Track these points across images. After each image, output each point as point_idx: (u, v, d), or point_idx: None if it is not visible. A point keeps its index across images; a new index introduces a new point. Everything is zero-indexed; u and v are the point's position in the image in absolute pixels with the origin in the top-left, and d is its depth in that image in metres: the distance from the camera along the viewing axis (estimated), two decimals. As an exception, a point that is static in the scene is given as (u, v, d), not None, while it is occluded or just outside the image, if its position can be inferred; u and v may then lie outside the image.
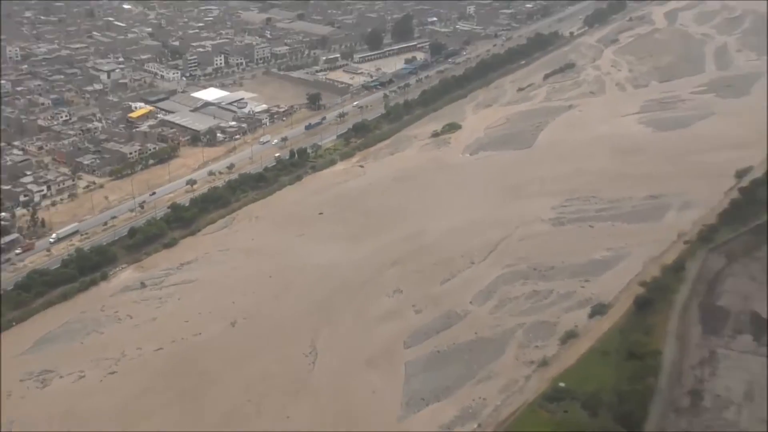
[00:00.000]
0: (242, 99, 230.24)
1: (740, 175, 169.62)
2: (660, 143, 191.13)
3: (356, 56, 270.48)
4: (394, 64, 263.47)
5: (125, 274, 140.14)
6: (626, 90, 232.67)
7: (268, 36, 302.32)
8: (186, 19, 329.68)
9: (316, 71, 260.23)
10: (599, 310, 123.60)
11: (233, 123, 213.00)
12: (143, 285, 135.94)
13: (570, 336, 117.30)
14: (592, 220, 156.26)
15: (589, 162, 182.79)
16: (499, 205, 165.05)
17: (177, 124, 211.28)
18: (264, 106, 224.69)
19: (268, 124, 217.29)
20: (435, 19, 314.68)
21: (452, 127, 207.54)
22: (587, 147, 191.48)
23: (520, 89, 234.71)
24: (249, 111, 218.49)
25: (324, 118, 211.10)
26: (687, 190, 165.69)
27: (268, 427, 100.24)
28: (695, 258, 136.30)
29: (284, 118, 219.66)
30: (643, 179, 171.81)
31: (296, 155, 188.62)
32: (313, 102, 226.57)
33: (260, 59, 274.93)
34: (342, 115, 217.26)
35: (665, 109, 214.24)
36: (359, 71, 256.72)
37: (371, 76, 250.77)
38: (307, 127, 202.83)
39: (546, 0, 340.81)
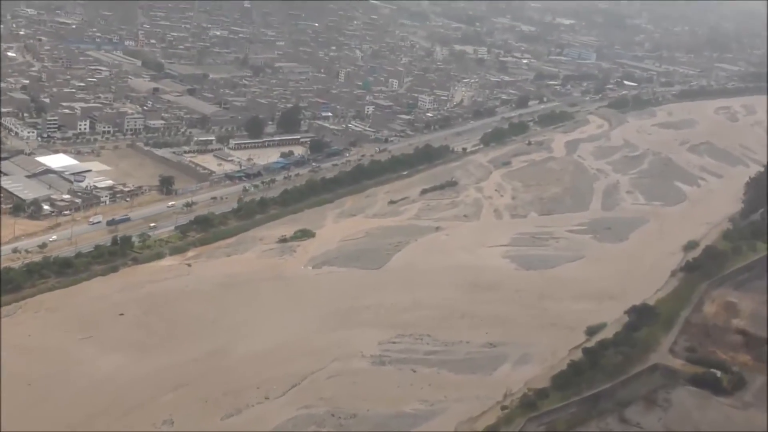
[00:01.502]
0: (88, 170, 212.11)
1: (591, 332, 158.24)
2: (518, 282, 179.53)
3: (233, 142, 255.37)
4: (270, 156, 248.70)
5: None
6: (502, 218, 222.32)
7: (148, 107, 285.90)
8: (69, 77, 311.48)
9: (184, 152, 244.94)
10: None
11: (67, 196, 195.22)
12: None
13: None
14: (417, 363, 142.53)
15: (438, 294, 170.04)
16: (324, 330, 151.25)
17: (5, 189, 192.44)
18: (109, 182, 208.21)
19: (107, 202, 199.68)
20: (329, 114, 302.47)
21: (305, 234, 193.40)
22: (441, 276, 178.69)
23: (392, 202, 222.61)
24: (87, 185, 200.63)
25: (127, 216, 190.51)
26: (530, 341, 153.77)
27: None
28: (512, 425, 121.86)
29: (128, 199, 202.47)
30: (489, 321, 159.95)
31: (119, 243, 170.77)
32: (165, 185, 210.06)
33: (130, 130, 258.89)
34: (190, 204, 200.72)
35: (536, 244, 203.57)
36: (230, 158, 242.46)
37: (240, 166, 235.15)
38: (109, 223, 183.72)
39: (449, 111, 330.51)
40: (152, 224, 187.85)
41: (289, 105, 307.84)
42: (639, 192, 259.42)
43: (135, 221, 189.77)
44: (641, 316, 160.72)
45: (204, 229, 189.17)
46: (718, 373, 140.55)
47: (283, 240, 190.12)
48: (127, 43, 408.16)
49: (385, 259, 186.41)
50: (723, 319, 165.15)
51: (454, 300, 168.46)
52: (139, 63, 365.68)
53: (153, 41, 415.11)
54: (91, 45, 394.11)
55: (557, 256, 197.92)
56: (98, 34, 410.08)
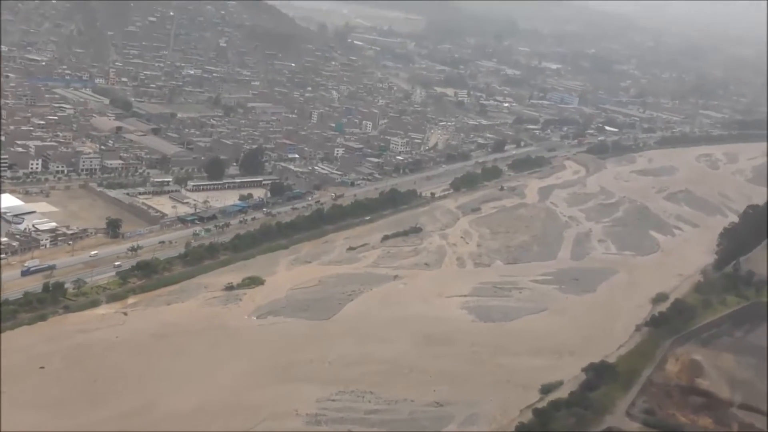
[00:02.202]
0: (32, 212, 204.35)
1: (545, 390, 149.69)
2: (475, 335, 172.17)
3: (191, 183, 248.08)
4: (230, 198, 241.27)
5: None
6: (465, 267, 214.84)
7: (108, 146, 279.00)
8: (30, 114, 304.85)
9: (139, 193, 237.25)
10: None
11: (5, 239, 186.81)
12: None
13: None
14: (355, 423, 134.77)
15: (387, 347, 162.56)
16: (260, 386, 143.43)
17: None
18: (52, 225, 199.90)
19: (48, 246, 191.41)
20: (296, 156, 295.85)
21: (253, 282, 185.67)
22: (393, 328, 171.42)
23: (351, 248, 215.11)
24: (26, 228, 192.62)
25: (52, 264, 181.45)
26: (480, 400, 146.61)
27: None
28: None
29: (70, 242, 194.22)
30: (438, 378, 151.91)
31: (50, 289, 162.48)
32: (112, 228, 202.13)
33: (86, 170, 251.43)
34: (135, 249, 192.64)
35: (498, 295, 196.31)
36: (185, 200, 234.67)
37: (195, 208, 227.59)
38: (24, 273, 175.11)
39: (421, 155, 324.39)
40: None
41: (255, 146, 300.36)
42: (611, 241, 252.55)
43: (73, 266, 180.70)
44: (599, 374, 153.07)
45: (146, 275, 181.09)
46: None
47: (230, 288, 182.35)
48: (97, 80, 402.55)
49: (335, 309, 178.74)
50: (686, 378, 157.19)
51: (404, 354, 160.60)
52: (107, 101, 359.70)
53: (125, 79, 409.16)
54: (60, 82, 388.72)
55: (518, 307, 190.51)
56: (68, 72, 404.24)
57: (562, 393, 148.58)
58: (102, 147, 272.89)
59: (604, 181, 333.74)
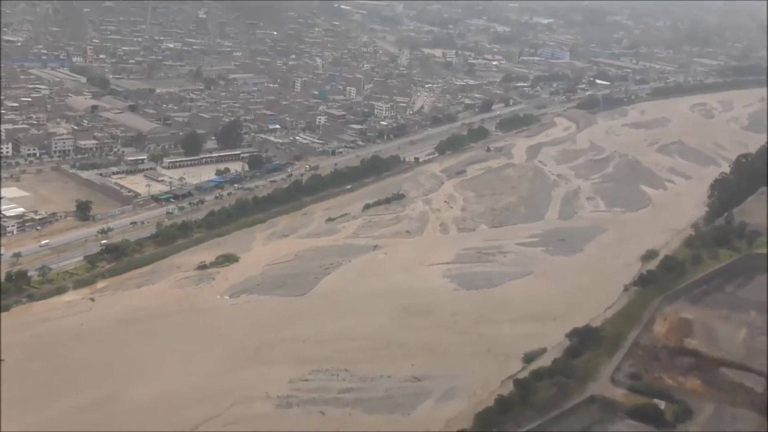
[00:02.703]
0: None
1: (528, 359, 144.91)
2: (456, 304, 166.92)
3: (166, 160, 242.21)
4: (207, 174, 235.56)
5: None
6: (449, 233, 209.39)
7: (83, 126, 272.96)
8: (3, 97, 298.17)
9: (113, 173, 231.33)
10: None
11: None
12: None
13: None
14: (328, 403, 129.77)
15: (364, 321, 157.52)
16: (231, 369, 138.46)
17: None
18: (20, 210, 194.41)
19: (15, 232, 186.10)
20: (277, 126, 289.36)
21: (227, 259, 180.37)
22: (372, 301, 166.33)
23: (330, 219, 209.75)
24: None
25: None
26: (460, 372, 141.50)
27: None
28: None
29: (38, 228, 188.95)
30: (417, 351, 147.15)
31: (13, 278, 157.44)
32: (82, 211, 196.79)
33: (58, 152, 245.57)
34: (105, 231, 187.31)
35: (481, 261, 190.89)
36: (160, 178, 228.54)
37: (171, 186, 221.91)
38: None
39: (405, 119, 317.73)
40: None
41: (233, 119, 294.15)
42: (600, 198, 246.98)
43: (38, 252, 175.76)
44: (583, 339, 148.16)
45: (116, 258, 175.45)
46: (662, 404, 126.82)
47: (203, 267, 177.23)
48: (75, 59, 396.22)
49: (312, 284, 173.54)
50: (675, 338, 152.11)
51: (382, 328, 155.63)
52: (84, 80, 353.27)
53: (103, 56, 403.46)
54: (37, 62, 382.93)
55: (503, 272, 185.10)
56: (44, 51, 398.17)
57: (545, 361, 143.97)
58: (75, 127, 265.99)
59: (595, 136, 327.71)
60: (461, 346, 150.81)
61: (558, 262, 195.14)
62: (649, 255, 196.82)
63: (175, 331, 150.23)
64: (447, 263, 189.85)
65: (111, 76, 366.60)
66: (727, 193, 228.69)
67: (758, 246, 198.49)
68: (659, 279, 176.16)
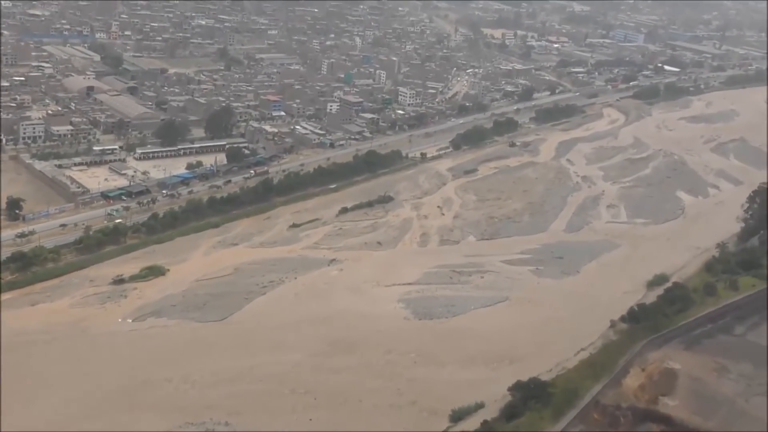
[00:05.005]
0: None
1: (457, 417, 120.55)
2: (399, 339, 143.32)
3: (139, 150, 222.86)
4: (181, 168, 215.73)
5: None
6: (428, 245, 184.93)
7: (72, 108, 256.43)
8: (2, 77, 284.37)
9: (75, 164, 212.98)
10: None
11: None
12: None
13: None
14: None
15: (279, 358, 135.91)
16: (89, 415, 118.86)
17: None
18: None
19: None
20: (282, 113, 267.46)
21: (152, 273, 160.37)
22: (298, 331, 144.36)
23: (295, 226, 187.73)
24: None
25: None
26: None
27: None
28: None
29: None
30: (324, 401, 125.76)
31: None
32: (11, 209, 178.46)
33: (28, 138, 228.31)
34: (26, 235, 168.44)
35: (452, 282, 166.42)
36: (124, 171, 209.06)
37: (132, 181, 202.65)
38: None
39: (427, 107, 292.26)
40: None
41: (237, 104, 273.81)
42: (624, 206, 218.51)
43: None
44: (529, 394, 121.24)
45: (21, 269, 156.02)
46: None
47: (120, 281, 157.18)
48: (98, 35, 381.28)
49: (237, 306, 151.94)
50: (648, 396, 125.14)
51: (296, 367, 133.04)
52: (97, 58, 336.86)
53: (128, 33, 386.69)
54: (58, 38, 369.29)
55: (471, 298, 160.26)
56: (67, 27, 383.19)
57: (475, 421, 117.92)
58: (49, 112, 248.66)
59: (643, 130, 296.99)
60: (382, 396, 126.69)
61: (544, 286, 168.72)
62: (658, 280, 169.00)
63: (49, 363, 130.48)
64: (409, 284, 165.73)
65: (131, 54, 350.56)
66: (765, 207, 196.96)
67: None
68: (654, 314, 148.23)
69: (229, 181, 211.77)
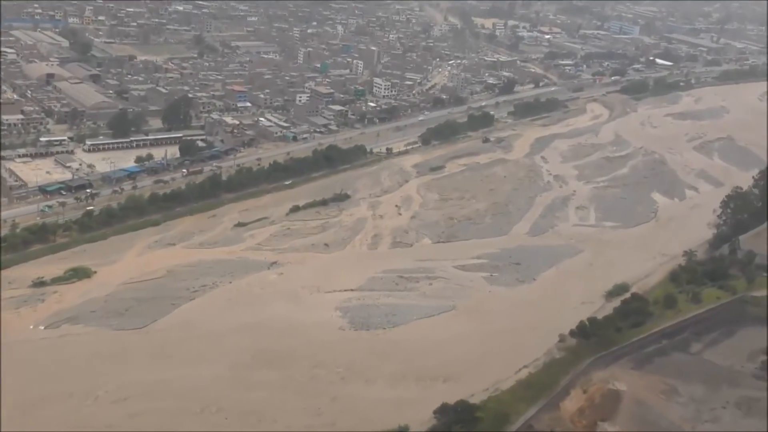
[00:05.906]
0: None
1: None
2: (330, 352, 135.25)
3: (89, 142, 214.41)
4: (132, 160, 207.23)
5: None
6: (378, 248, 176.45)
7: (28, 96, 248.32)
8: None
9: (19, 156, 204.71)
10: None
11: None
12: None
13: None
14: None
15: (196, 371, 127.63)
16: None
17: None
18: None
19: None
20: (247, 104, 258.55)
21: (77, 274, 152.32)
22: (223, 341, 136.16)
23: (240, 225, 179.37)
24: None
25: None
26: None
27: None
28: None
29: None
30: (234, 422, 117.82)
31: None
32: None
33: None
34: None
35: (397, 289, 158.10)
36: (69, 164, 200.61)
37: (75, 174, 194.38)
38: None
39: (401, 100, 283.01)
40: None
41: (202, 94, 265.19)
42: (594, 208, 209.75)
43: None
44: (455, 418, 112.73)
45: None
46: None
47: (40, 283, 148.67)
48: (71, 20, 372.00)
49: (162, 313, 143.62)
50: (586, 422, 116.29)
51: (213, 382, 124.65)
52: (66, 43, 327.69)
53: (102, 18, 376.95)
54: (29, 23, 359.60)
55: (415, 306, 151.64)
56: (39, 11, 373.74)
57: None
58: (17, 98, 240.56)
59: (626, 127, 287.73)
60: (299, 416, 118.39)
61: (496, 294, 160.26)
62: (617, 290, 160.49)
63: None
64: (351, 290, 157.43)
65: (102, 40, 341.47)
66: (743, 212, 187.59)
67: (759, 285, 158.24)
68: (605, 328, 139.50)
69: (173, 178, 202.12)
